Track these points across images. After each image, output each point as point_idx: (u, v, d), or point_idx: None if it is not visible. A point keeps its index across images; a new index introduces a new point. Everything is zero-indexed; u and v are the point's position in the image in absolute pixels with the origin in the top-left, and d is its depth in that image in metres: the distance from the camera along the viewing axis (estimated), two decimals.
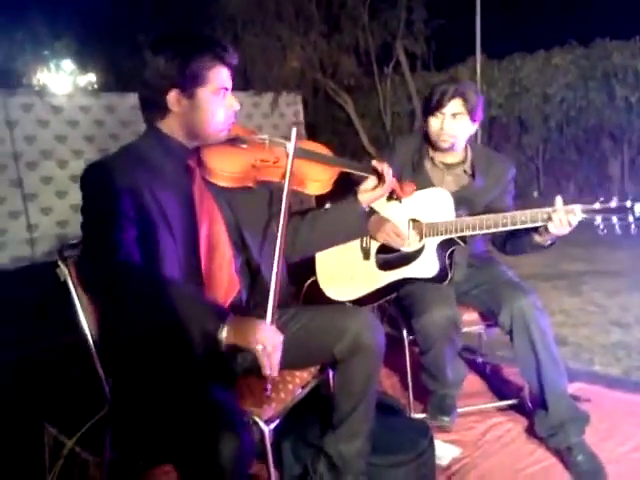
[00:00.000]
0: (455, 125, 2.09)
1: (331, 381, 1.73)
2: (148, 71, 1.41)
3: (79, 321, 1.53)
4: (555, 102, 7.45)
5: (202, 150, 1.49)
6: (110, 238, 1.29)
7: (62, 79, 10.60)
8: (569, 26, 8.24)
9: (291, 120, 9.26)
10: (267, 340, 1.26)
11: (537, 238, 1.93)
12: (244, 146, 1.52)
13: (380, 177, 1.70)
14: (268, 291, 1.35)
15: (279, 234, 1.39)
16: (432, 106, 2.09)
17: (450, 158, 2.19)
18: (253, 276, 1.59)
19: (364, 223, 1.80)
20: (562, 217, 1.80)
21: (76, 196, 7.59)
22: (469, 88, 2.10)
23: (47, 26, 9.50)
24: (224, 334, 1.24)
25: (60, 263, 1.54)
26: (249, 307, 1.58)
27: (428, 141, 2.21)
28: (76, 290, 1.53)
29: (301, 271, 2.29)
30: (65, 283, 1.54)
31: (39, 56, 10.24)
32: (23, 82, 9.14)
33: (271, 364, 1.27)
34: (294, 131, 1.48)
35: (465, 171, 2.21)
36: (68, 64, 10.79)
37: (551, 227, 1.83)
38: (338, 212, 1.74)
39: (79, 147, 6.94)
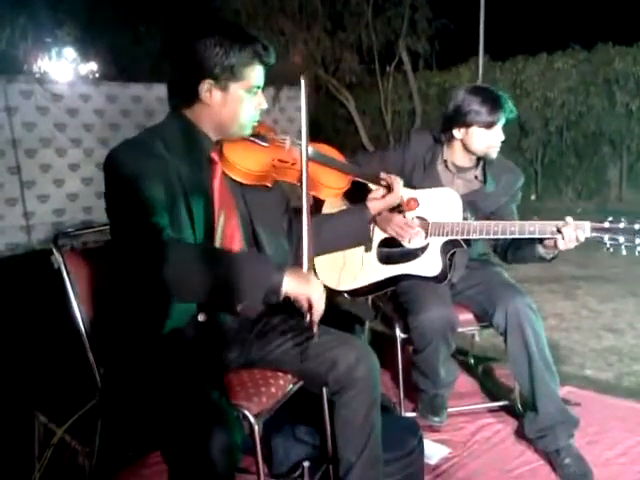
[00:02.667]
0: (502, 135, 2.09)
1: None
2: (185, 56, 1.38)
3: (72, 310, 1.53)
4: (556, 106, 7.46)
5: (224, 143, 1.47)
6: (150, 220, 1.28)
7: (64, 67, 10.54)
8: (572, 30, 8.23)
9: (292, 115, 9.25)
10: (318, 290, 1.35)
11: (541, 250, 1.92)
12: (265, 144, 1.52)
13: (389, 188, 1.74)
14: None
15: (304, 227, 1.38)
16: (489, 121, 2.04)
17: (465, 162, 2.17)
18: None
19: (369, 230, 1.81)
20: (571, 232, 1.80)
21: (73, 185, 7.55)
22: None
23: (50, 13, 9.44)
24: (285, 285, 1.28)
25: (54, 251, 1.53)
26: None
27: (448, 145, 2.17)
28: (69, 278, 1.53)
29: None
30: (59, 271, 1.53)
31: (41, 43, 10.16)
32: (24, 69, 9.08)
33: (319, 310, 1.35)
34: (302, 83, 1.41)
35: (476, 177, 2.20)
36: (70, 52, 10.72)
37: (559, 241, 1.82)
38: (348, 218, 1.75)
39: (78, 136, 6.93)
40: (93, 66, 10.65)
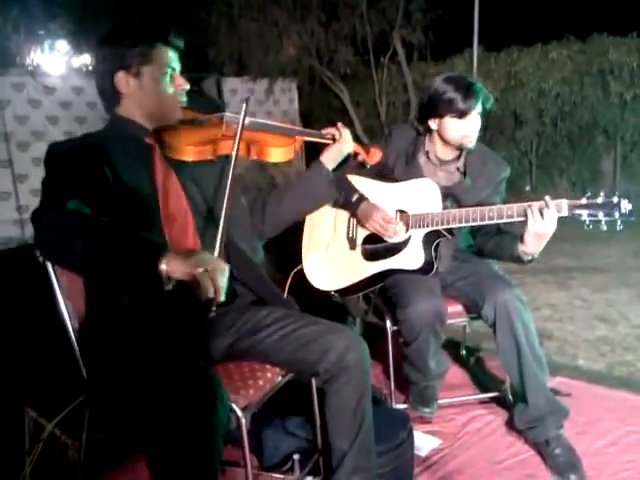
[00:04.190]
0: (478, 124, 2.07)
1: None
2: (96, 58, 1.49)
3: (57, 304, 1.52)
4: (550, 97, 7.43)
5: (162, 130, 1.52)
6: (60, 198, 1.28)
7: (56, 60, 10.47)
8: (567, 20, 8.21)
9: (285, 107, 9.21)
10: (208, 263, 1.21)
11: (521, 247, 1.89)
12: (202, 125, 1.58)
13: (335, 138, 1.77)
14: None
15: (226, 193, 1.37)
16: (461, 110, 2.00)
17: (446, 154, 2.16)
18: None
19: (331, 186, 1.80)
20: (548, 211, 1.79)
21: None
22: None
23: (43, 6, 9.37)
24: (164, 265, 1.19)
25: None
26: None
27: (429, 137, 2.17)
28: (55, 273, 1.51)
29: (287, 260, 2.29)
30: (44, 265, 1.52)
31: (34, 36, 10.09)
32: (17, 62, 9.02)
33: (216, 286, 1.21)
34: (244, 106, 1.49)
35: (458, 168, 2.18)
36: (63, 45, 10.65)
37: (538, 221, 1.79)
38: (303, 177, 1.79)
39: (71, 129, 6.88)
40: (86, 59, 10.58)
